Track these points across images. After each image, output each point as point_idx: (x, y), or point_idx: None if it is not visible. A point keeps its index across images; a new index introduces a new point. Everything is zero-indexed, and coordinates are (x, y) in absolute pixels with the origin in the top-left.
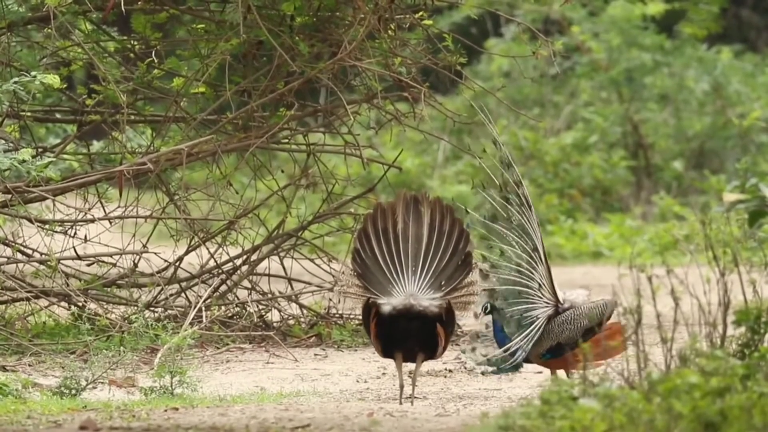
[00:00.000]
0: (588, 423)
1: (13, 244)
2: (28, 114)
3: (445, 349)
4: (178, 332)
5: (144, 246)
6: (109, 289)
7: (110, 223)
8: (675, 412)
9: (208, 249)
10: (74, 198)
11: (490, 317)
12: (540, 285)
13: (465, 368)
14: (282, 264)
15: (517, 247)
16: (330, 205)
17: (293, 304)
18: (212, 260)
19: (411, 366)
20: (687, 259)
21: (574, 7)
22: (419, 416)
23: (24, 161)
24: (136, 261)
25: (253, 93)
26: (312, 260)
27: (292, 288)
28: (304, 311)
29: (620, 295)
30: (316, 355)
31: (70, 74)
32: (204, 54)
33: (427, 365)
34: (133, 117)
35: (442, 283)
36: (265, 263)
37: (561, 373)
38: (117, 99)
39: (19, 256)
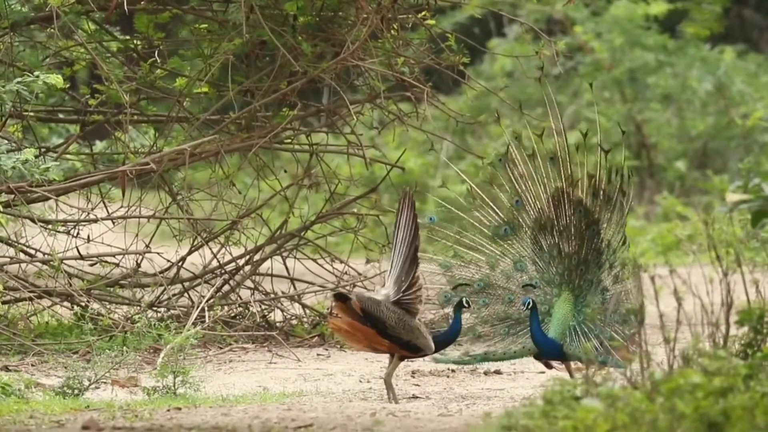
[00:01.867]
0: (591, 423)
1: (16, 244)
2: (31, 114)
3: (386, 345)
4: (181, 332)
5: (147, 246)
6: (111, 289)
7: (113, 223)
8: (678, 412)
9: (210, 249)
10: (77, 198)
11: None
12: None
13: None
14: (285, 264)
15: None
16: (333, 205)
17: (296, 304)
18: (215, 260)
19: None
20: (690, 259)
21: (576, 7)
22: (422, 416)
23: (27, 161)
24: (138, 261)
25: (256, 93)
26: (315, 260)
27: (295, 288)
28: (307, 311)
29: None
30: (318, 355)
31: (73, 74)
32: (207, 54)
33: (431, 365)
34: (136, 117)
35: (403, 278)
36: (267, 263)
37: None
38: (120, 99)
39: (22, 256)
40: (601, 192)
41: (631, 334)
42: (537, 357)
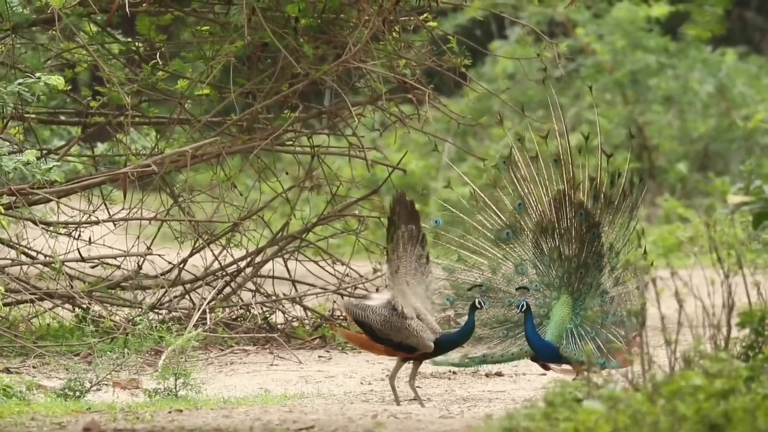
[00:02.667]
0: (592, 425)
1: (18, 246)
2: (33, 116)
3: (382, 350)
4: (183, 334)
5: (148, 248)
6: (113, 291)
7: (114, 225)
8: (679, 414)
9: (212, 251)
10: (78, 200)
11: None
12: None
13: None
14: (286, 266)
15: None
16: (334, 207)
17: (297, 306)
18: (216, 262)
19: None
20: (691, 261)
21: (578, 9)
22: (423, 418)
23: (28, 163)
24: (140, 263)
25: (257, 95)
26: (316, 262)
27: (297, 290)
28: (308, 313)
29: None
30: (320, 357)
31: (74, 76)
32: (208, 56)
33: (432, 368)
34: (137, 119)
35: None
36: (269, 265)
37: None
38: (121, 101)
39: (23, 258)
40: (602, 195)
41: (631, 337)
42: (534, 359)
